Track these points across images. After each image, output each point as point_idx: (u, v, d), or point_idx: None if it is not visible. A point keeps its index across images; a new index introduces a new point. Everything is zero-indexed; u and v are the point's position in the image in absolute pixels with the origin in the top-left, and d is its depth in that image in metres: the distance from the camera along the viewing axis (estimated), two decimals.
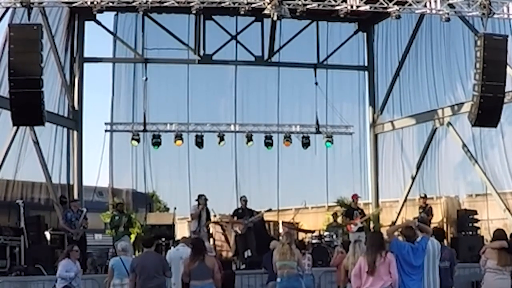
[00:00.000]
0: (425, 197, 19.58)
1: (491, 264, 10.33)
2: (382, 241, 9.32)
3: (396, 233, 9.98)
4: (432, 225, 15.81)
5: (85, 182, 21.31)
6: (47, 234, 17.24)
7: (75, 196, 20.11)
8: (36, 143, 18.79)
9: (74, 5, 15.73)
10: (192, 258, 10.77)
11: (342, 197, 22.99)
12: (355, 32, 23.47)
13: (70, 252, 12.38)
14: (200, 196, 17.60)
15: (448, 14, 16.32)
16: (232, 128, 22.35)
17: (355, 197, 19.45)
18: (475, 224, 19.04)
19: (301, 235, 19.03)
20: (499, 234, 10.70)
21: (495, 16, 16.31)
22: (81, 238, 16.49)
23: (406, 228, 9.85)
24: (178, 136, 21.41)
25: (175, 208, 19.27)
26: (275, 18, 15.34)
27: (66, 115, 20.87)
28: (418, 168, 21.66)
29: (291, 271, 11.79)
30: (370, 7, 16.43)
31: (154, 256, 11.21)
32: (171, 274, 11.26)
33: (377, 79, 23.58)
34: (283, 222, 20.00)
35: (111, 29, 22.08)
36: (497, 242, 10.44)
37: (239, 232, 17.69)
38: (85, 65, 21.66)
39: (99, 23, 21.70)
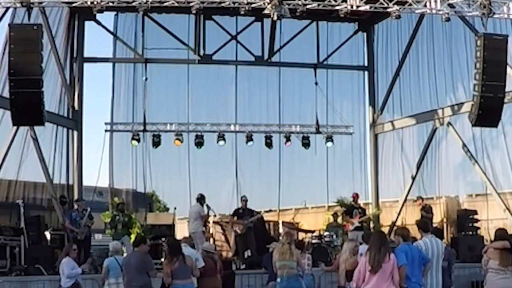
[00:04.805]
0: (421, 198, 19.62)
1: (493, 264, 10.30)
2: (387, 241, 9.26)
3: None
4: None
5: (85, 182, 21.32)
6: (47, 234, 17.27)
7: (75, 196, 20.10)
8: (35, 140, 18.78)
9: (74, 5, 15.73)
10: (171, 259, 10.82)
11: (342, 197, 22.99)
12: (355, 32, 23.47)
13: (70, 251, 12.40)
14: (204, 197, 17.56)
15: (448, 14, 16.32)
16: (232, 128, 22.34)
17: (355, 196, 19.48)
18: (475, 224, 19.04)
19: (301, 235, 19.02)
20: (501, 234, 10.67)
21: (495, 16, 16.31)
22: (86, 237, 16.52)
23: (402, 229, 9.82)
24: (178, 136, 21.43)
25: (175, 208, 19.29)
26: (275, 18, 15.33)
27: (66, 115, 20.87)
28: (418, 168, 21.66)
29: (291, 271, 11.75)
30: (370, 7, 16.43)
31: (139, 256, 11.23)
32: (155, 274, 11.27)
33: (377, 79, 23.57)
34: (283, 222, 20.01)
35: (111, 29, 22.10)
36: (500, 242, 10.40)
37: (239, 232, 17.68)
38: (85, 65, 21.65)
39: (99, 23, 21.70)
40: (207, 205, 17.48)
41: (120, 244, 13.01)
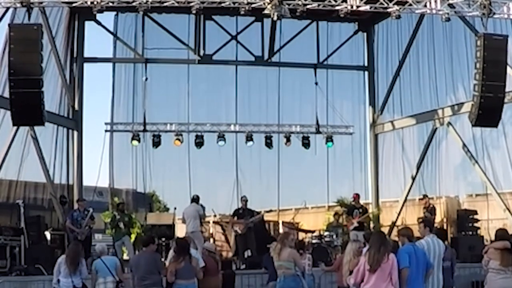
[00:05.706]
0: (426, 197, 19.58)
1: (494, 264, 10.30)
2: (387, 241, 9.25)
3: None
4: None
5: (85, 182, 21.35)
6: (47, 234, 17.27)
7: (75, 196, 20.11)
8: (36, 140, 18.78)
9: (74, 5, 15.73)
10: (178, 258, 10.84)
11: (342, 197, 22.98)
12: (355, 32, 23.48)
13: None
14: (199, 197, 17.62)
15: (448, 14, 16.32)
16: (232, 128, 22.35)
17: (356, 196, 19.47)
18: (475, 224, 19.04)
19: (301, 235, 19.02)
20: (502, 234, 10.67)
21: (495, 16, 16.30)
22: (86, 238, 16.50)
23: (406, 229, 9.81)
24: (178, 136, 21.43)
25: (175, 208, 19.29)
26: (275, 18, 15.33)
27: (66, 115, 20.87)
28: (418, 168, 21.65)
29: (288, 271, 11.63)
30: (370, 7, 16.43)
31: (148, 255, 11.31)
32: (165, 272, 11.29)
33: (377, 79, 23.57)
34: (283, 222, 20.01)
35: (111, 29, 22.12)
36: (500, 242, 10.40)
37: (239, 232, 17.68)
38: (85, 65, 21.66)
39: (99, 23, 21.71)
40: (201, 205, 17.52)
41: (105, 246, 13.10)
